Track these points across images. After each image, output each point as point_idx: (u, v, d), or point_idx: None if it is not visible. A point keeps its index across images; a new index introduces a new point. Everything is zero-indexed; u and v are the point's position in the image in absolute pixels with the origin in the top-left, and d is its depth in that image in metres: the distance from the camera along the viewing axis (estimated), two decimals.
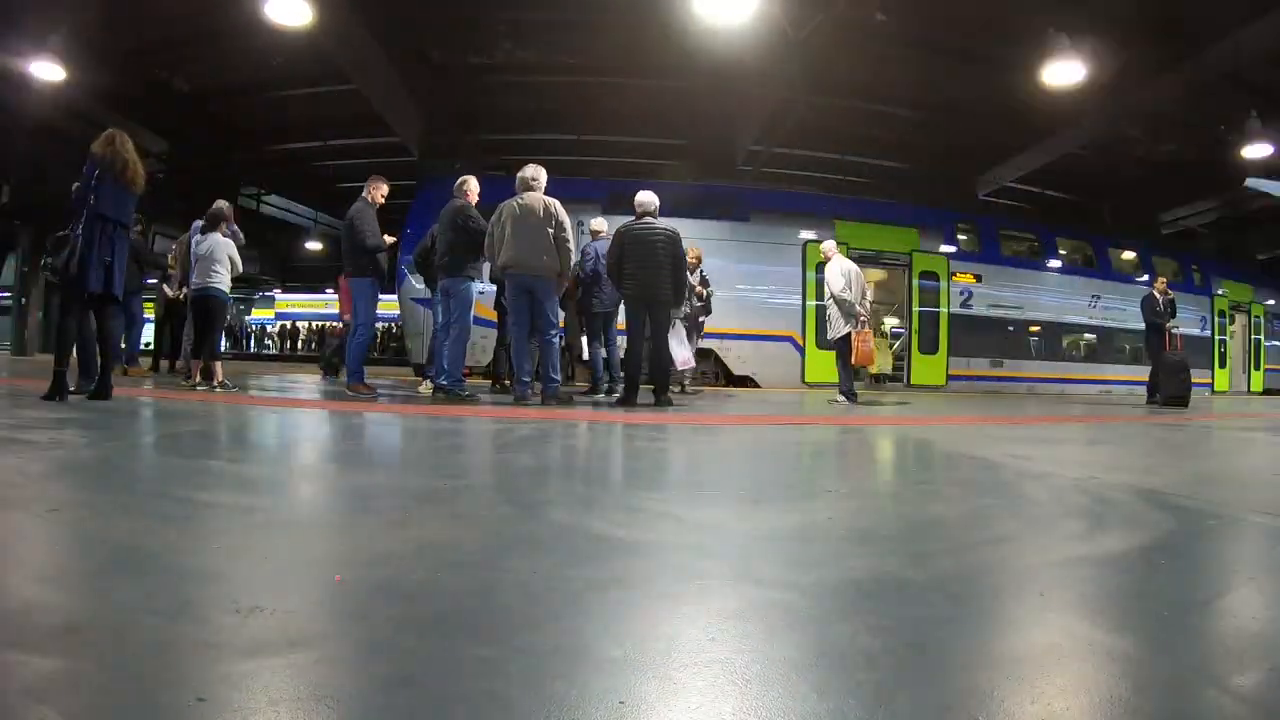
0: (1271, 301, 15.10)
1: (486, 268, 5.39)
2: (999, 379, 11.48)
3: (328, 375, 8.14)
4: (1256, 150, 10.70)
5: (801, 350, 10.13)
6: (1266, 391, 14.36)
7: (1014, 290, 11.74)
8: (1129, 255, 13.49)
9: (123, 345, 6.94)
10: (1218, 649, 1.01)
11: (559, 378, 5.06)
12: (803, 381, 10.14)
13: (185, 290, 6.41)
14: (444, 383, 5.08)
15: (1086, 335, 12.73)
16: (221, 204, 5.89)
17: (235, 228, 5.92)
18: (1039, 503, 2.05)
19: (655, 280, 5.13)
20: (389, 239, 5.60)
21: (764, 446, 3.36)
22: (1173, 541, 1.60)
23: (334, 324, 9.51)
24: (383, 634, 0.93)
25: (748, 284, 10.15)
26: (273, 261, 23.81)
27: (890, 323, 13.24)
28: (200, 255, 5.65)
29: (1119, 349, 12.72)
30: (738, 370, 9.97)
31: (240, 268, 5.79)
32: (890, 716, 0.74)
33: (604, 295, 6.16)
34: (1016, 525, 1.75)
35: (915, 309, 10.99)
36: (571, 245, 4.99)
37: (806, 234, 10.39)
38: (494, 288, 6.29)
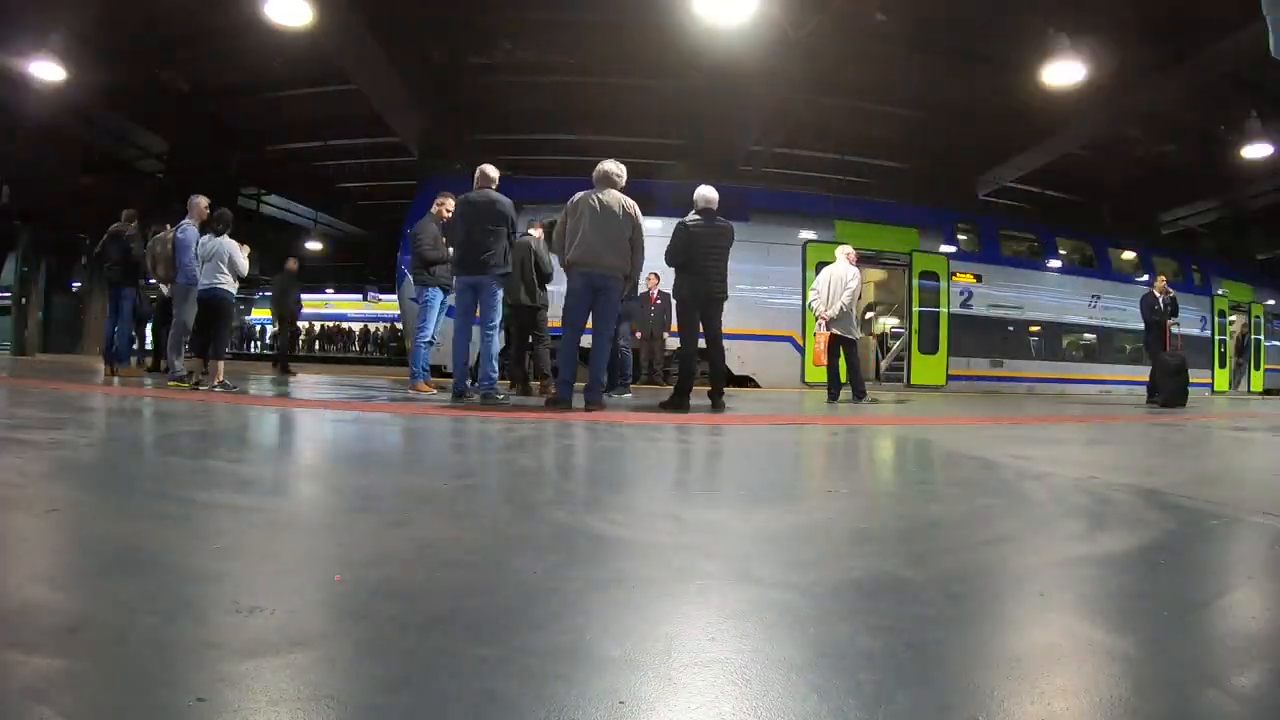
0: (1271, 301, 15.10)
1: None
2: (999, 379, 11.48)
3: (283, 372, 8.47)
4: (1256, 150, 10.70)
5: (801, 350, 10.13)
6: (1266, 392, 14.36)
7: (1014, 290, 11.74)
8: (1129, 255, 13.49)
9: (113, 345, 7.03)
10: (1218, 649, 1.01)
11: (604, 380, 4.97)
12: (803, 382, 10.14)
13: (168, 289, 6.60)
14: (467, 385, 5.03)
15: (1086, 335, 12.73)
16: (199, 199, 5.99)
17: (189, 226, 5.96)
18: (1039, 503, 2.05)
19: (719, 278, 5.22)
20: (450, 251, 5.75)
21: (764, 446, 3.36)
22: (1173, 542, 1.60)
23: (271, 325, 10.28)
24: (385, 634, 0.93)
25: (748, 284, 10.15)
26: (273, 262, 23.80)
27: (890, 323, 13.24)
28: (206, 256, 5.65)
29: (1119, 349, 12.72)
30: (737, 370, 9.97)
31: (245, 269, 5.80)
32: (890, 716, 0.74)
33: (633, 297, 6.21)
34: (1016, 525, 1.75)
35: (915, 309, 10.99)
36: (643, 250, 4.94)
37: (806, 234, 10.38)
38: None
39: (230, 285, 5.70)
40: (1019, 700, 0.78)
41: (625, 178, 4.88)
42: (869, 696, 0.78)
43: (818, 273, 7.08)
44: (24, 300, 14.19)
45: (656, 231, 6.44)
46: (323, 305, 30.56)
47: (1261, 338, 14.55)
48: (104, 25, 9.79)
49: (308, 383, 7.27)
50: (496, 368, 5.03)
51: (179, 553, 1.27)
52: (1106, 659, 0.92)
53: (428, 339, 5.89)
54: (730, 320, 9.80)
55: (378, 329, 29.91)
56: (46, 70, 9.56)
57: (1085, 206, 15.65)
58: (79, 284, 15.36)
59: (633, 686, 0.79)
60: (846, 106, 12.18)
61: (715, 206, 5.25)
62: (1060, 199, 15.79)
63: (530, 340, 6.30)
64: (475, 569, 1.22)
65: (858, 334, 7.00)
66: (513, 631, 0.94)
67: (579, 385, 4.95)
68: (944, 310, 11.09)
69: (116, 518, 1.51)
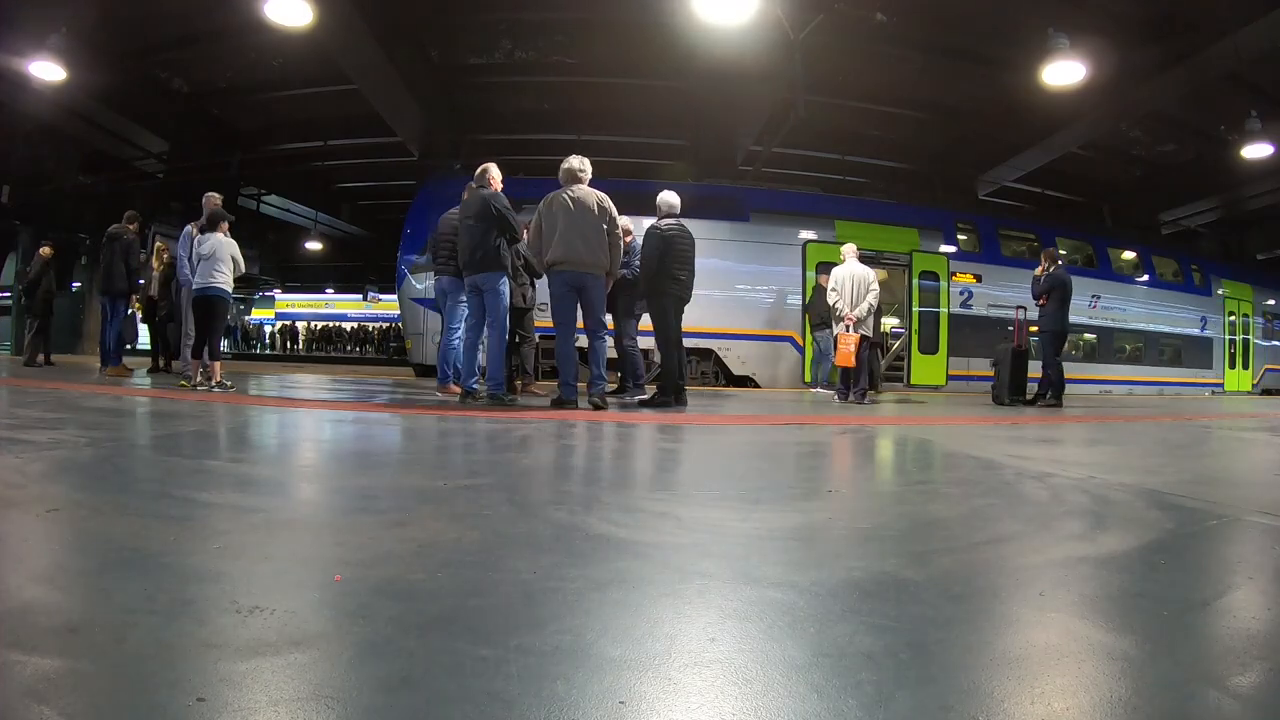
0: (1271, 302, 15.10)
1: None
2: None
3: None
4: (1256, 150, 10.70)
5: (801, 350, 10.13)
6: (1265, 392, 14.35)
7: (1014, 290, 11.73)
8: (1129, 255, 13.49)
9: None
10: (1218, 649, 1.01)
11: (606, 376, 4.93)
12: (803, 382, 10.13)
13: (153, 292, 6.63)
14: (474, 386, 4.98)
15: (1086, 335, 12.73)
16: (213, 196, 5.94)
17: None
18: (1039, 503, 2.05)
19: (691, 279, 5.24)
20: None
21: (764, 446, 3.36)
22: (1173, 541, 1.60)
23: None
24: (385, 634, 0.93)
25: (748, 284, 10.15)
26: (273, 261, 23.83)
27: (890, 323, 13.23)
28: (203, 255, 5.63)
29: (1119, 349, 12.73)
30: (737, 371, 9.97)
31: (243, 268, 5.79)
32: (890, 716, 0.74)
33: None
34: (1016, 525, 1.75)
35: (915, 309, 10.99)
36: (623, 244, 4.92)
37: (806, 234, 10.38)
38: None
39: (227, 284, 5.68)
40: (1019, 700, 0.78)
41: (590, 172, 4.86)
42: (869, 696, 0.78)
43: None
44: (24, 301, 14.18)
45: None
46: (322, 305, 30.61)
47: (1250, 337, 14.52)
48: (104, 25, 9.80)
49: (307, 382, 7.27)
50: (503, 368, 4.99)
51: (179, 553, 1.27)
52: (1106, 659, 0.92)
53: (460, 336, 5.65)
54: (730, 320, 9.88)
55: (375, 329, 29.88)
56: (46, 70, 9.56)
57: (1085, 206, 15.65)
58: (79, 284, 15.36)
59: (633, 686, 0.79)
60: (846, 106, 12.17)
61: (679, 210, 5.36)
62: (1060, 199, 15.78)
63: (517, 340, 6.29)
64: (477, 568, 1.22)
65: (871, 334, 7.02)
66: (512, 631, 0.94)
67: (578, 386, 4.94)
68: (944, 310, 11.09)
69: (116, 518, 1.51)
